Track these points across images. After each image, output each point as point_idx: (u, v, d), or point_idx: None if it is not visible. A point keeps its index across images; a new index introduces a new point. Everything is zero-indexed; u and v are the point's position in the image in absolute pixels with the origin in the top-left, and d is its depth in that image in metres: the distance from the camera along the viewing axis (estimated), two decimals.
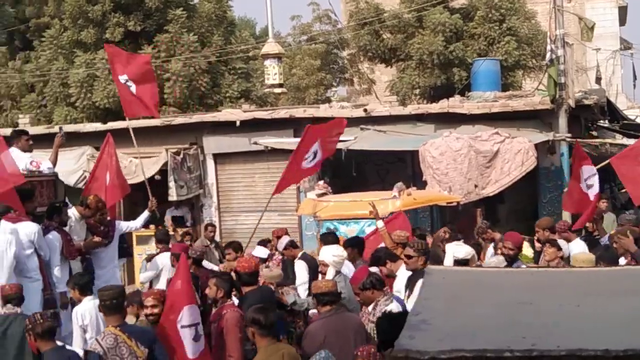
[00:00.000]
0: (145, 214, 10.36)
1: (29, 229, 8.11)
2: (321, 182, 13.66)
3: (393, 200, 10.71)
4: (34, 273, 8.08)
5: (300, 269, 9.46)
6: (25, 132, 9.99)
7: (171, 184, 15.53)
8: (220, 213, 16.43)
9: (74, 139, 15.98)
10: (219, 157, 16.29)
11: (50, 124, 18.92)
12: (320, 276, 8.23)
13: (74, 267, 8.80)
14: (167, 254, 9.73)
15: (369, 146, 14.32)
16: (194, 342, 6.39)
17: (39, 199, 8.98)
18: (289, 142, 15.34)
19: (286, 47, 28.06)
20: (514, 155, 13.07)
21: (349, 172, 14.47)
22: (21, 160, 9.19)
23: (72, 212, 9.10)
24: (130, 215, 13.63)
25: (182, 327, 6.34)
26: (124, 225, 9.82)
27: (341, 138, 14.70)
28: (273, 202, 16.18)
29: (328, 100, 27.22)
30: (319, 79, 28.95)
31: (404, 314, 4.51)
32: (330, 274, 7.83)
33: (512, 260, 8.51)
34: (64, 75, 20.29)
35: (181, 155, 15.86)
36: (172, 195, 15.63)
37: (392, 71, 23.50)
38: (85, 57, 20.02)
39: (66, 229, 8.82)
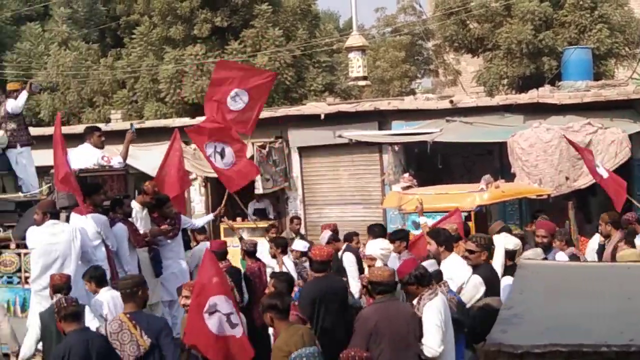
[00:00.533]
0: (210, 217, 10.87)
1: (96, 220, 8.40)
2: (406, 175, 13.54)
3: (480, 193, 10.53)
4: (102, 263, 8.30)
5: (350, 263, 9.54)
6: (97, 129, 10.24)
7: (257, 177, 15.70)
8: (305, 206, 16.54)
9: (163, 134, 16.37)
10: (303, 151, 16.39)
11: (141, 119, 19.43)
12: (367, 269, 8.22)
13: (141, 257, 9.02)
14: (207, 245, 9.89)
15: (455, 138, 14.12)
16: (226, 325, 6.33)
17: (109, 192, 9.25)
18: (374, 134, 15.31)
19: (370, 40, 28.00)
20: (607, 146, 12.66)
21: (435, 165, 14.31)
22: (93, 155, 9.52)
23: (133, 204, 9.28)
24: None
25: (209, 313, 6.33)
26: (186, 221, 10.01)
27: (427, 130, 14.62)
28: (357, 194, 16.28)
29: (412, 92, 27.03)
30: (403, 70, 28.77)
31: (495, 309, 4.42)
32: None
33: (546, 248, 8.30)
34: (154, 72, 20.79)
35: (267, 149, 16.03)
36: (258, 188, 15.82)
37: (478, 61, 23.11)
38: (174, 54, 20.45)
39: (131, 220, 9.03)
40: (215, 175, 16.13)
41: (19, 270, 8.68)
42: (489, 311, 4.79)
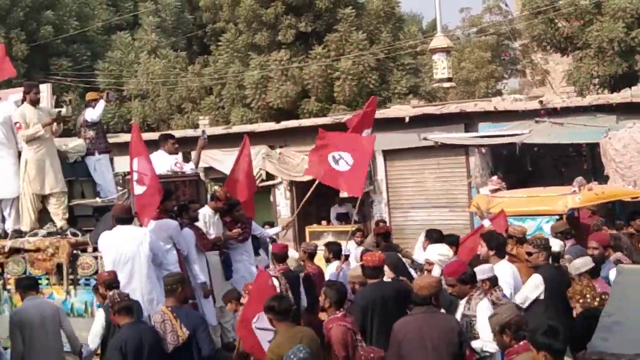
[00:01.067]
0: (278, 229, 11.14)
1: (167, 225, 8.63)
2: (495, 178, 13.31)
3: (572, 195, 10.24)
4: (173, 266, 8.50)
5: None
6: (171, 136, 10.60)
7: None
8: (390, 209, 16.43)
9: (249, 139, 16.59)
10: (388, 154, 16.28)
11: (227, 125, 19.74)
12: (425, 274, 8.18)
13: (212, 260, 9.20)
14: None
15: (544, 139, 13.77)
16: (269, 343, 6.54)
17: (182, 197, 9.53)
18: (460, 137, 15.09)
19: (454, 41, 27.65)
20: None
21: (524, 167, 13.99)
22: (166, 161, 9.88)
23: (205, 209, 9.46)
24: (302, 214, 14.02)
25: (257, 328, 6.70)
26: (257, 229, 10.19)
27: (515, 131, 14.31)
28: (443, 198, 16.06)
29: (499, 93, 26.56)
30: (489, 71, 28.29)
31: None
32: (436, 272, 7.78)
33: (598, 260, 8.09)
34: (240, 78, 21.09)
35: None
36: (343, 192, 15.79)
37: (567, 61, 22.49)
38: (259, 60, 20.69)
39: (200, 224, 9.20)
40: (300, 179, 16.37)
41: (96, 272, 8.83)
42: (589, 317, 4.65)
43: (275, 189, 17.31)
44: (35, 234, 9.56)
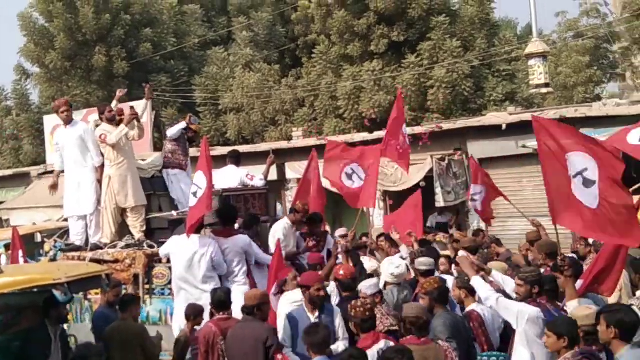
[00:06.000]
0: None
1: (241, 240, 8.96)
2: None
3: None
4: (241, 278, 8.88)
5: None
6: (238, 153, 11.37)
7: (437, 190, 15.54)
8: None
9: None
10: (484, 162, 15.94)
11: (320, 136, 19.83)
12: None
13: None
14: None
15: None
16: None
17: (251, 210, 9.94)
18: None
19: (551, 45, 26.92)
20: None
21: (629, 173, 13.39)
22: (237, 174, 10.47)
23: (284, 222, 9.80)
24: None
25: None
26: (332, 241, 10.27)
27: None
28: (544, 207, 15.46)
29: (598, 98, 25.67)
30: (587, 76, 27.40)
31: None
32: None
33: None
34: (333, 89, 21.16)
35: (446, 161, 15.78)
36: (439, 202, 15.64)
37: None
38: (352, 70, 20.72)
39: (278, 235, 9.47)
40: (394, 189, 16.26)
41: (170, 282, 9.22)
42: None
43: None
44: (115, 246, 9.96)
